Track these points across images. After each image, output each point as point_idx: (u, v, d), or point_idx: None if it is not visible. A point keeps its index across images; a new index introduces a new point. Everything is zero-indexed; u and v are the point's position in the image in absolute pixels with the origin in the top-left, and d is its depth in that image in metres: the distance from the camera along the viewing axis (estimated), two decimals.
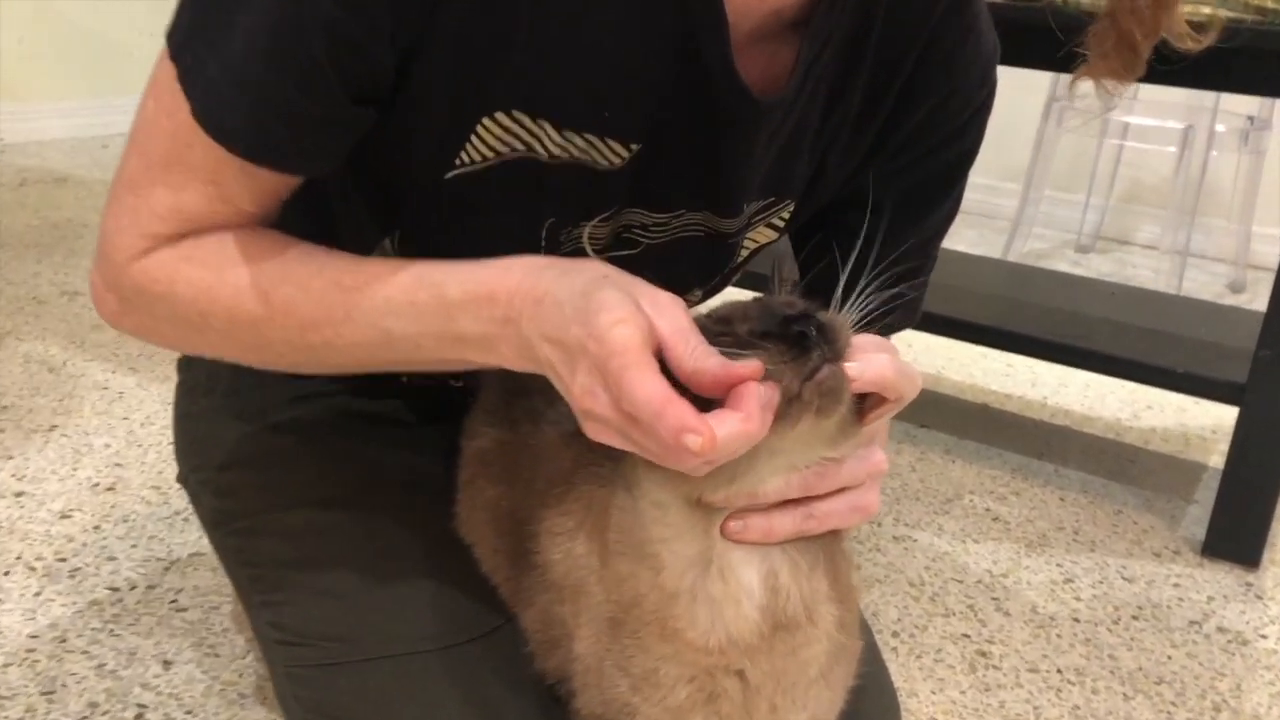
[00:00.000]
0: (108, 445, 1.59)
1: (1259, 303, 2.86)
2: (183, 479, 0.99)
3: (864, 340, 0.57)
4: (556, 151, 0.71)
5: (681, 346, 0.52)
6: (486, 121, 0.69)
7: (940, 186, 0.84)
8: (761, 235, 0.85)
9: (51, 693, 1.07)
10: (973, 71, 0.80)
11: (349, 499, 0.85)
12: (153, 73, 0.66)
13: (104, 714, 1.05)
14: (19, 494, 1.43)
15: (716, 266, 0.86)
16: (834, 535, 0.64)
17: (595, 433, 0.55)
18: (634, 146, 0.72)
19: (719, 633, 0.60)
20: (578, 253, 0.79)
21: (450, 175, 0.71)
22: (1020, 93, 2.50)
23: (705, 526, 0.60)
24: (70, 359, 1.87)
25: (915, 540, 1.51)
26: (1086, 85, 0.76)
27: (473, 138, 0.69)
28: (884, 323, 0.87)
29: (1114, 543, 1.56)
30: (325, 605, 0.82)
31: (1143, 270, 3.06)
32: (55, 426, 1.63)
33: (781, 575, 0.60)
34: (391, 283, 0.65)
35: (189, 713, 1.06)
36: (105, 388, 1.78)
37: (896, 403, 0.59)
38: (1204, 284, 2.97)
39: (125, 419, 1.68)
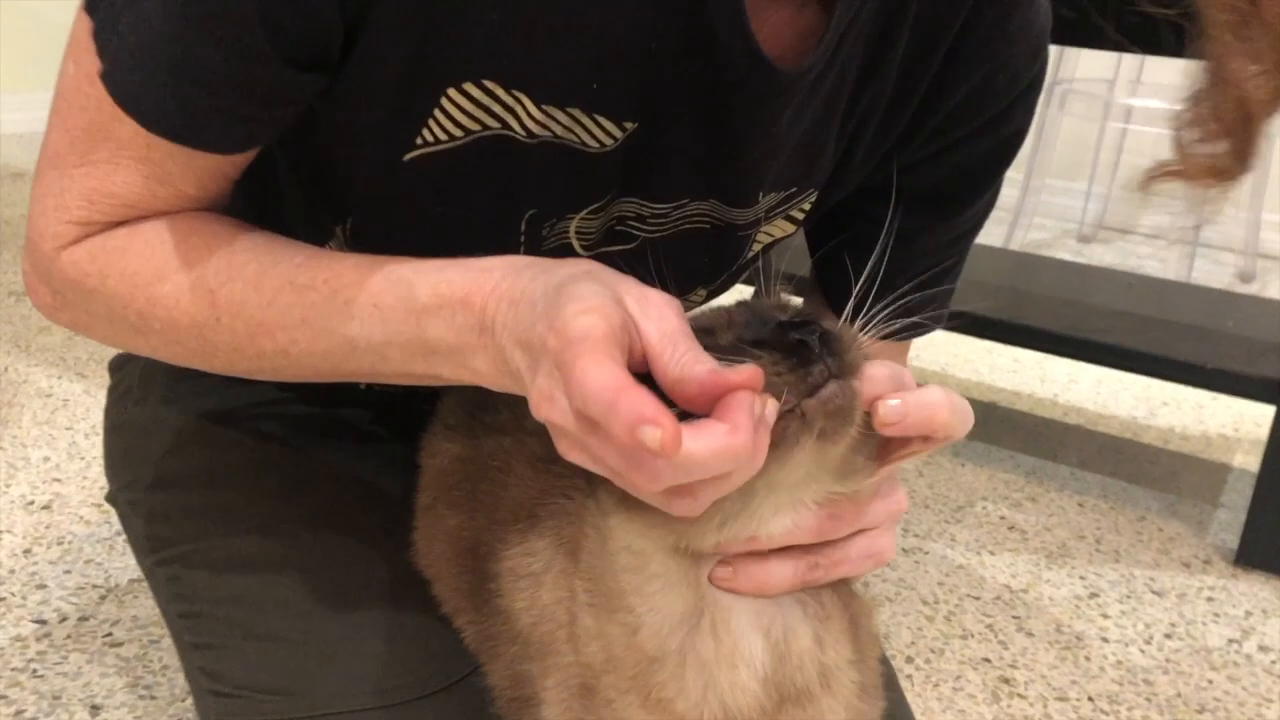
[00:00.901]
0: (46, 459, 1.46)
1: (1270, 291, 2.77)
2: (112, 498, 0.89)
3: (879, 369, 0.48)
4: (535, 129, 0.60)
5: (668, 352, 0.43)
6: (453, 93, 0.58)
7: (980, 175, 0.74)
8: (777, 229, 0.75)
9: None
10: (1022, 44, 0.69)
11: (296, 525, 0.76)
12: (72, 27, 0.57)
13: None
14: None
15: (724, 263, 0.76)
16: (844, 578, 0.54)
17: (566, 450, 0.46)
18: (628, 125, 0.62)
19: (713, 704, 0.49)
20: (563, 249, 0.69)
21: (410, 156, 0.61)
22: None
23: (694, 576, 0.49)
24: (12, 364, 1.73)
25: (927, 553, 1.40)
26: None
27: (437, 112, 0.59)
28: (909, 330, 0.78)
29: (1139, 552, 1.45)
30: (263, 651, 0.73)
31: (1148, 260, 2.96)
32: None
33: (791, 635, 0.50)
34: (354, 282, 0.56)
35: None
36: (49, 395, 1.64)
37: (935, 443, 0.49)
38: (1211, 273, 2.86)
39: (68, 429, 1.54)
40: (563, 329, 0.43)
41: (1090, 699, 1.14)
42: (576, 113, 0.60)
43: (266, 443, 0.80)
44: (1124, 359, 1.55)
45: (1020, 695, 1.14)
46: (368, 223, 0.67)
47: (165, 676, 1.05)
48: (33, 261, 0.63)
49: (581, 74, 0.59)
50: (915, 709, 1.08)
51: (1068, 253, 2.99)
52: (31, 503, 1.35)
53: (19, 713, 0.99)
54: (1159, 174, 0.57)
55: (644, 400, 0.40)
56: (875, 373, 0.47)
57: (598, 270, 0.49)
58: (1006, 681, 1.16)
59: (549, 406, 0.45)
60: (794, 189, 0.71)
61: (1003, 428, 1.81)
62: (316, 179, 0.68)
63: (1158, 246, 3.06)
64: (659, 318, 0.45)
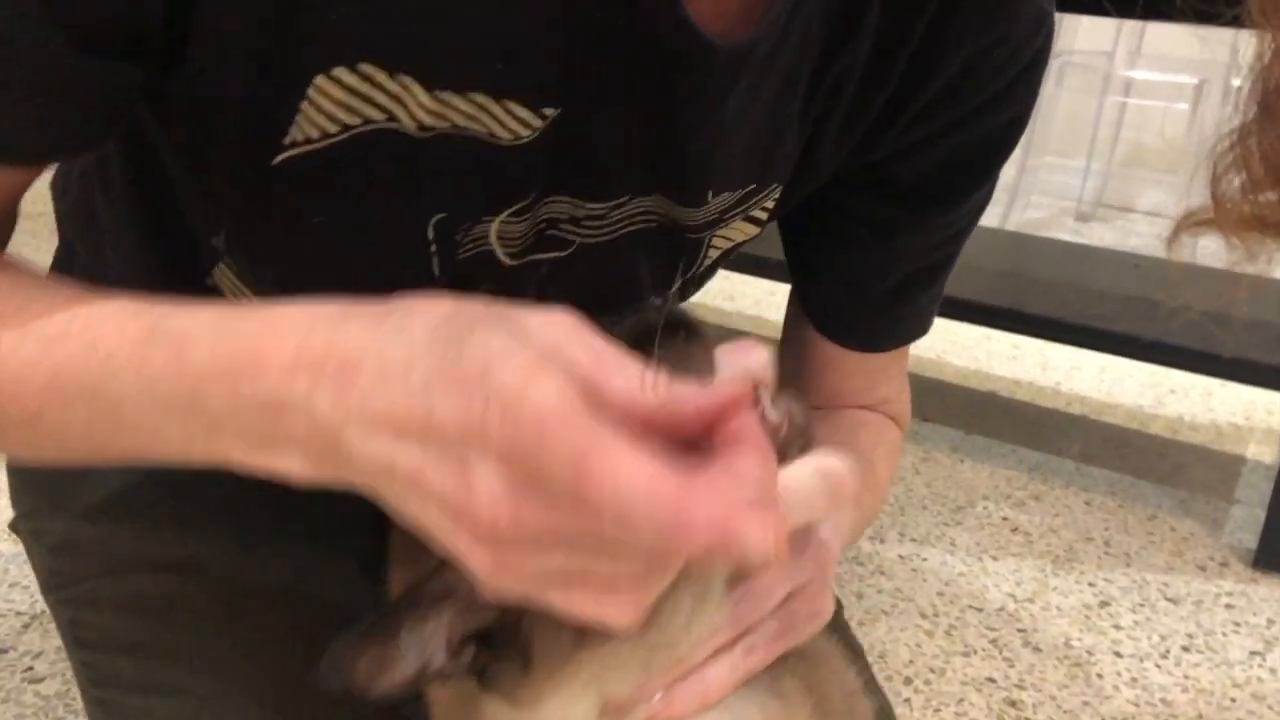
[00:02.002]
0: None
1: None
2: (14, 526, 0.79)
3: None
4: (429, 120, 0.50)
5: (618, 377, 0.33)
6: (322, 81, 0.47)
7: (976, 165, 0.64)
8: (737, 231, 0.66)
9: None
10: (1025, 12, 0.59)
11: (213, 561, 0.67)
12: None
13: None
14: None
15: (675, 270, 0.66)
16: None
17: (507, 569, 0.35)
18: (548, 112, 0.51)
19: None
20: (483, 256, 0.59)
21: (280, 159, 0.50)
22: None
23: None
24: None
25: (925, 560, 1.30)
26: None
27: (305, 105, 0.48)
28: (894, 337, 0.72)
29: (1151, 555, 1.35)
30: (161, 710, 0.65)
31: (1147, 239, 2.87)
32: None
33: None
34: (117, 332, 0.43)
35: None
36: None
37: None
38: (1214, 253, 2.76)
39: None
40: (514, 409, 0.32)
41: None
42: (481, 98, 0.50)
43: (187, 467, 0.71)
44: (1129, 346, 1.46)
45: (1028, 719, 1.05)
46: (244, 233, 0.56)
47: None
48: None
49: (483, 53, 0.49)
50: None
51: (1066, 232, 2.89)
52: None
53: None
54: (1190, 224, 0.47)
55: (719, 493, 0.31)
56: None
57: (463, 307, 0.38)
58: (1013, 704, 1.07)
59: (516, 512, 0.33)
60: (752, 186, 0.62)
61: (1003, 419, 1.72)
62: (181, 181, 0.57)
63: (1158, 224, 2.97)
64: (579, 340, 0.35)
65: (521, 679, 0.41)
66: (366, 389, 0.36)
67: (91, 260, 0.75)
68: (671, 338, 0.41)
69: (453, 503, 0.34)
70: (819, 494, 0.41)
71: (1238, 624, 1.22)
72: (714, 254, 0.67)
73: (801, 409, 0.42)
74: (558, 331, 0.35)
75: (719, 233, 0.65)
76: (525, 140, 0.52)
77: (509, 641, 0.40)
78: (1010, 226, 2.71)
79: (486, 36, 0.48)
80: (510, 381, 0.33)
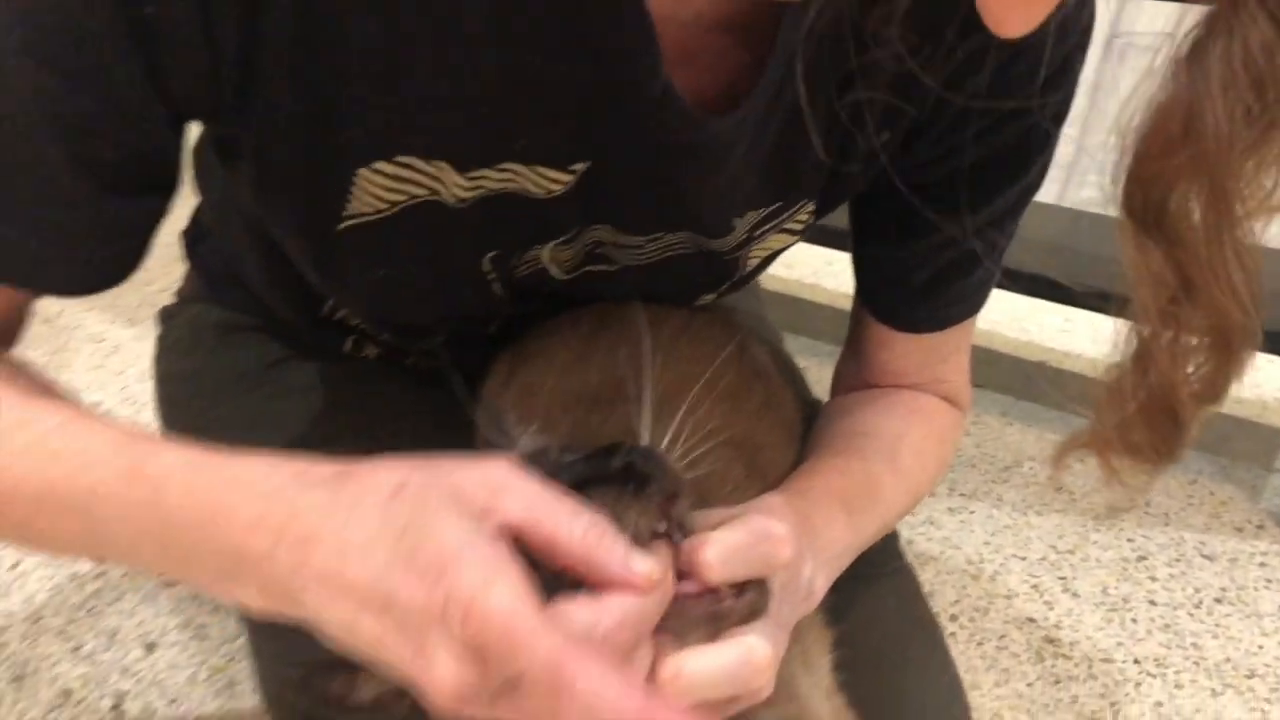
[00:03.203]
0: (99, 403, 1.48)
1: None
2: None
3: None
4: (465, 194, 0.56)
5: (550, 526, 0.40)
6: (365, 173, 0.54)
7: (1011, 163, 0.64)
8: (776, 242, 0.70)
9: (21, 679, 0.97)
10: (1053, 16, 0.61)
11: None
12: None
13: (78, 703, 0.95)
14: None
15: (717, 282, 0.72)
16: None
17: (463, 714, 0.40)
18: (576, 168, 0.57)
19: None
20: (537, 275, 0.65)
21: (343, 227, 0.57)
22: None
23: None
24: (66, 309, 1.76)
25: (973, 512, 1.38)
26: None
27: (354, 190, 0.55)
28: (941, 320, 0.73)
29: (1190, 516, 1.42)
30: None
31: None
32: None
33: None
34: (104, 461, 0.48)
35: (172, 701, 0.96)
36: (101, 340, 1.67)
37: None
38: (1274, 234, 2.78)
39: (120, 374, 1.57)
40: (478, 610, 0.37)
41: (1136, 661, 1.13)
42: (513, 167, 0.56)
43: (310, 393, 0.80)
44: None
45: (1065, 656, 1.13)
46: (332, 283, 0.64)
47: (217, 618, 1.07)
48: None
49: (503, 133, 0.54)
50: (958, 666, 1.08)
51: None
52: None
53: (77, 648, 1.01)
54: (1072, 447, 0.50)
55: (673, 712, 0.37)
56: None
57: (412, 476, 0.42)
58: (1051, 641, 1.15)
59: (458, 684, 0.38)
60: (778, 204, 0.65)
61: (1052, 388, 1.78)
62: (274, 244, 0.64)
63: None
64: (516, 491, 0.40)
65: None
66: (325, 563, 0.40)
67: (220, 255, 0.83)
68: (621, 485, 0.42)
69: (413, 672, 0.39)
70: (727, 676, 0.43)
71: (1270, 580, 1.29)
72: (754, 263, 0.71)
73: (751, 589, 0.44)
74: (496, 485, 0.40)
75: (755, 248, 0.69)
76: (558, 194, 0.57)
77: None
78: (1066, 203, 2.74)
79: (504, 120, 0.53)
80: (468, 583, 0.37)
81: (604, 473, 0.42)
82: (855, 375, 0.79)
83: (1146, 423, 0.45)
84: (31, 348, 0.57)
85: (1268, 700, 1.08)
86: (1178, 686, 1.09)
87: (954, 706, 0.77)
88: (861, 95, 0.55)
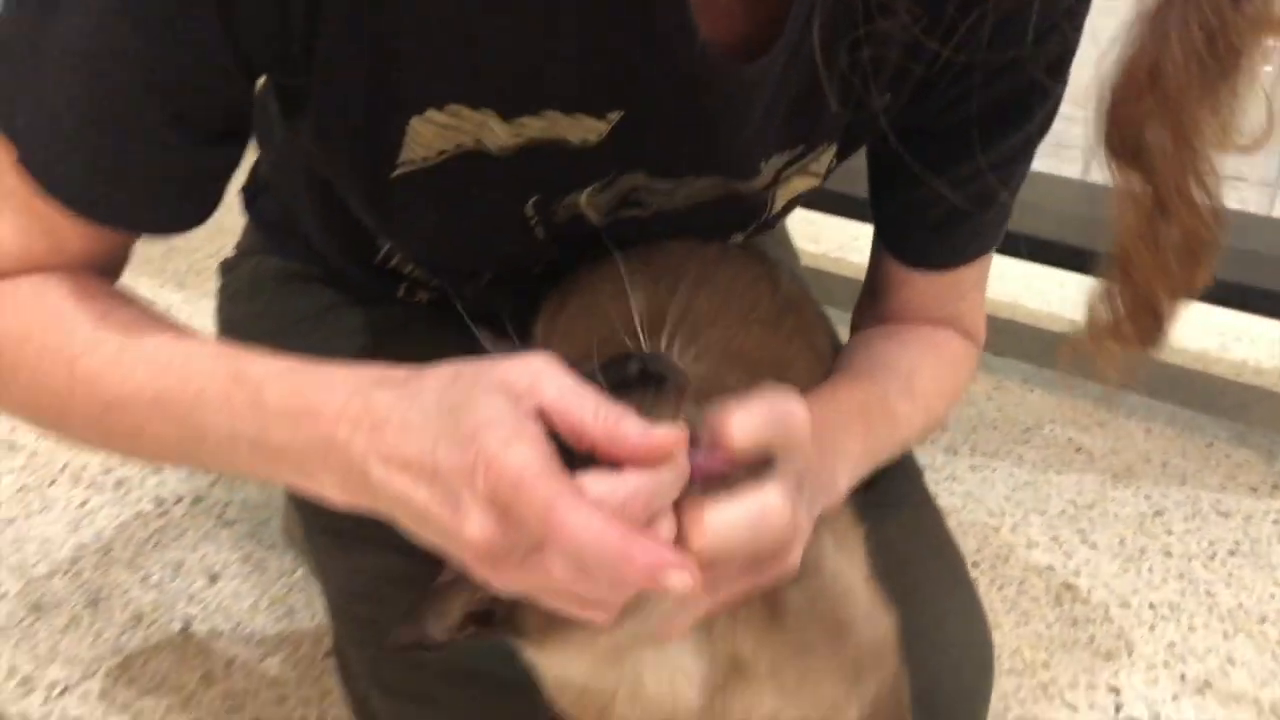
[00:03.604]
0: None
1: None
2: None
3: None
4: (508, 142, 0.61)
5: (578, 411, 0.43)
6: (417, 121, 0.60)
7: (1017, 107, 0.67)
8: (800, 183, 0.75)
9: (96, 603, 1.03)
10: None
11: None
12: None
13: (150, 625, 1.01)
14: None
15: (744, 223, 0.77)
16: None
17: (494, 578, 0.45)
18: (612, 116, 0.62)
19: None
20: (576, 219, 0.70)
21: (396, 175, 0.63)
22: (1096, 12, 2.34)
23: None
24: None
25: (994, 470, 1.43)
26: None
27: (406, 139, 0.61)
28: (956, 256, 0.76)
29: (1206, 476, 1.46)
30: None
31: (1228, 202, 2.90)
32: None
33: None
34: (207, 372, 0.54)
35: (236, 625, 1.02)
36: (151, 303, 1.73)
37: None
38: None
39: None
40: (496, 465, 0.41)
41: (1152, 606, 1.17)
42: (553, 114, 0.60)
43: (365, 335, 0.84)
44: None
45: (1083, 601, 1.17)
46: (385, 226, 0.69)
47: (274, 552, 1.13)
48: None
49: (542, 81, 0.59)
50: None
51: None
52: None
53: (146, 577, 1.07)
54: (1077, 341, 0.58)
55: (655, 545, 0.40)
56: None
57: (465, 371, 0.47)
58: (1069, 588, 1.19)
59: (495, 538, 0.42)
60: (801, 148, 0.69)
61: (1074, 357, 1.83)
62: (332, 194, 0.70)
63: (1239, 188, 3.00)
64: (549, 377, 0.44)
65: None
66: (389, 443, 0.45)
67: (278, 208, 0.88)
68: (643, 388, 0.46)
69: (450, 531, 0.44)
70: (745, 525, 0.46)
71: None
72: (779, 204, 0.75)
73: (765, 469, 0.47)
74: (534, 373, 0.45)
75: (780, 190, 0.73)
76: (595, 141, 0.62)
77: (506, 618, 0.50)
78: (1092, 178, 2.76)
79: (543, 68, 0.58)
80: (492, 444, 0.41)
81: (625, 379, 0.46)
82: (874, 314, 0.83)
83: (1132, 318, 0.54)
84: None
85: (1279, 643, 1.12)
86: (1190, 629, 1.14)
87: (975, 631, 0.81)
88: (865, 57, 0.60)
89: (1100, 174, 0.54)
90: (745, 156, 0.67)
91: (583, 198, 0.68)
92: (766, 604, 0.54)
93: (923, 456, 0.90)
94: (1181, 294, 0.52)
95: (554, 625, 0.49)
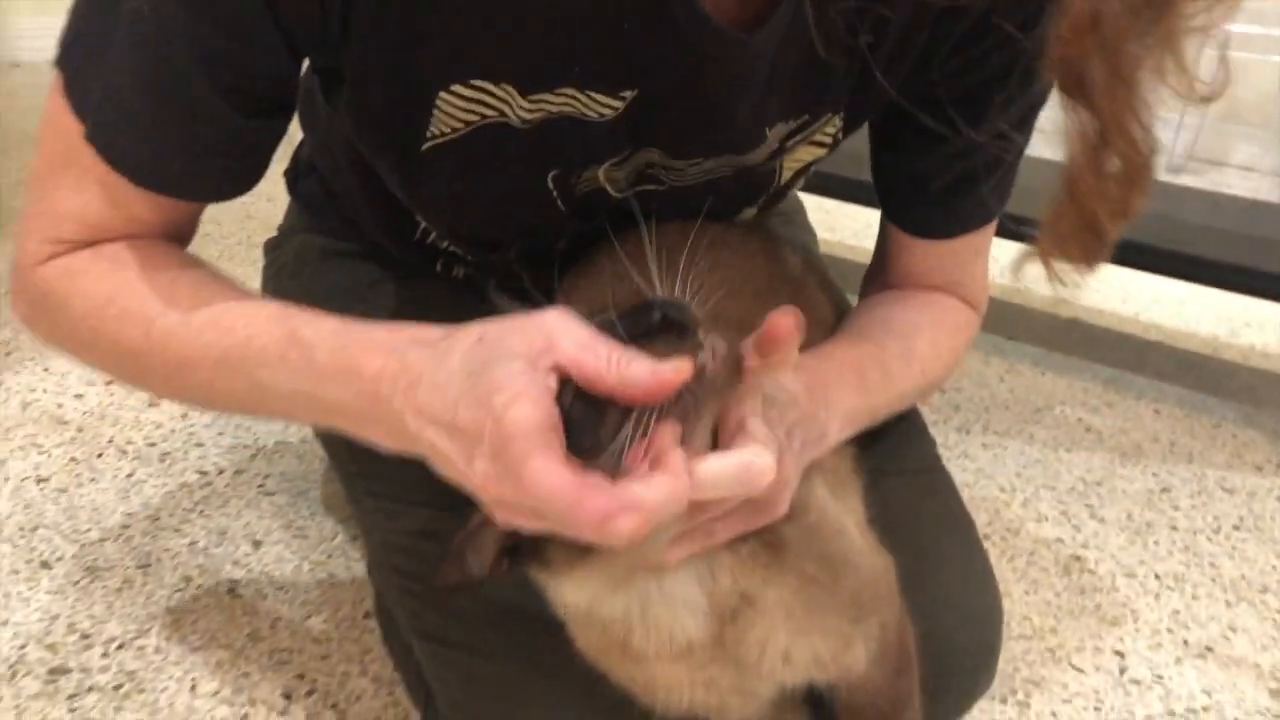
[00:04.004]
0: None
1: None
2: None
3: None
4: (529, 115, 0.66)
5: (592, 361, 0.48)
6: (444, 96, 0.65)
7: (1015, 77, 0.69)
8: (806, 154, 0.79)
9: (147, 566, 1.08)
10: None
11: None
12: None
13: (199, 586, 1.06)
14: (109, 382, 1.45)
15: (755, 195, 0.81)
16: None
17: (507, 520, 0.51)
18: (626, 94, 0.67)
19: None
20: (595, 194, 0.75)
21: (426, 148, 0.68)
22: None
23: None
24: None
25: (1005, 448, 1.47)
26: None
27: (435, 113, 0.66)
28: (956, 224, 0.80)
29: (1213, 455, 1.50)
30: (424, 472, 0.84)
31: (1240, 193, 2.93)
32: None
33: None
34: (266, 332, 0.59)
35: (280, 588, 1.07)
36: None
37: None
38: None
39: None
40: (498, 420, 0.46)
41: (1157, 577, 1.21)
42: (570, 91, 0.65)
43: (405, 308, 0.89)
44: (1209, 271, 1.57)
45: (1090, 571, 1.21)
46: (414, 197, 0.74)
47: (314, 521, 1.18)
48: (15, 276, 0.67)
49: (560, 58, 0.63)
50: None
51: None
52: None
53: (193, 543, 1.13)
54: (1027, 257, 0.63)
55: (603, 497, 0.44)
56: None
57: (489, 334, 0.51)
58: (1078, 559, 1.24)
59: (498, 488, 0.47)
60: (805, 117, 0.73)
61: (1084, 341, 1.86)
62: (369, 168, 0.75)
63: (1251, 178, 3.02)
64: (567, 331, 0.49)
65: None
66: (421, 399, 0.51)
67: (321, 187, 0.93)
68: (665, 335, 0.49)
69: (466, 476, 0.50)
70: (731, 477, 0.50)
71: None
72: (787, 175, 0.80)
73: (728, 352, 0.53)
74: (551, 329, 0.49)
75: (787, 160, 0.77)
76: (610, 118, 0.67)
77: (532, 551, 0.55)
78: None
79: (560, 46, 0.63)
80: (499, 404, 0.46)
81: (648, 327, 0.49)
82: (879, 280, 0.88)
83: (1076, 236, 0.59)
84: None
85: (1279, 612, 1.16)
86: (1194, 598, 1.18)
87: (985, 594, 0.85)
88: (862, 22, 0.64)
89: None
90: (749, 126, 0.71)
91: (601, 172, 0.73)
92: (766, 543, 0.58)
93: (937, 434, 0.93)
94: (1120, 216, 0.58)
95: (571, 555, 0.54)
